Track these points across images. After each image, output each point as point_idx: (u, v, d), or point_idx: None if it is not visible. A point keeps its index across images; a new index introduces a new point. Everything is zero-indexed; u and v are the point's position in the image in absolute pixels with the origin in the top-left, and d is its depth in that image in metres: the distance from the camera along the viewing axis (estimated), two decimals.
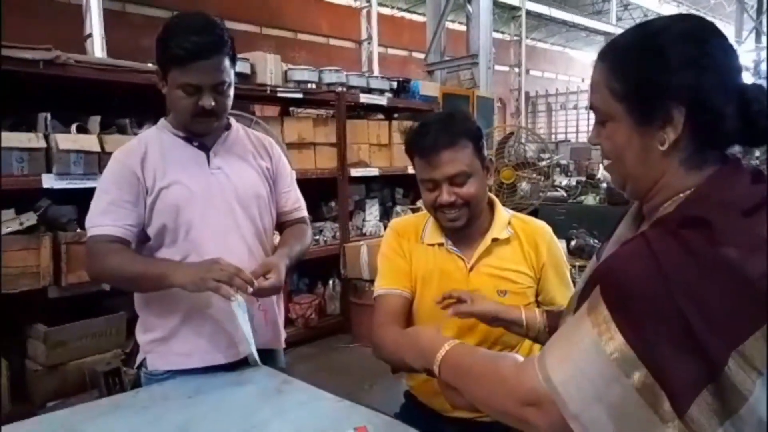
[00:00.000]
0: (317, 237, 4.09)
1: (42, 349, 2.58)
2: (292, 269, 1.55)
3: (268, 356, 1.56)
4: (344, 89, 4.18)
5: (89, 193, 1.46)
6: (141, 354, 1.52)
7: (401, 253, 1.49)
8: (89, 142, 2.66)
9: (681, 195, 0.78)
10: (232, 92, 1.45)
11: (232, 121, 1.58)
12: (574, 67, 20.39)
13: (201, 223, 1.45)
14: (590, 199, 4.99)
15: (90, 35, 6.47)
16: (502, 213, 1.48)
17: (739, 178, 0.77)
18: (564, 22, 15.27)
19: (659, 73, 0.76)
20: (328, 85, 4.15)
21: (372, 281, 3.89)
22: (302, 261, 1.68)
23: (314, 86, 4.03)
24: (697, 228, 0.70)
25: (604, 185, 5.06)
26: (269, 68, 3.70)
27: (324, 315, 4.19)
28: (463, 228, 1.41)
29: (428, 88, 4.82)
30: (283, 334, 1.67)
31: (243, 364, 1.50)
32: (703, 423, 0.65)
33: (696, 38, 0.77)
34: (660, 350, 0.66)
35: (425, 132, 1.36)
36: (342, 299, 4.24)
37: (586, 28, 16.12)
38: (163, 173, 1.43)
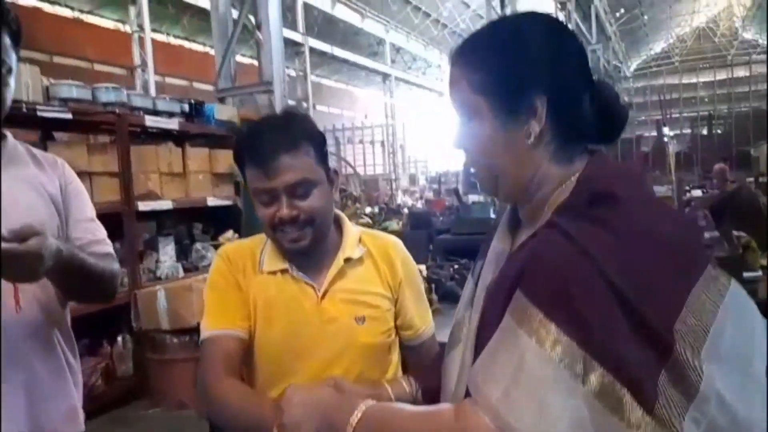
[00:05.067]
0: None
1: None
2: (68, 279, 1.14)
3: None
4: (126, 110, 3.60)
5: None
6: None
7: (235, 284, 1.23)
8: None
9: (565, 185, 0.77)
10: (12, 84, 1.13)
11: (8, 132, 1.22)
12: (358, 104, 21.65)
13: None
14: (393, 224, 5.17)
15: None
16: (352, 229, 1.31)
17: (612, 160, 0.80)
18: (345, 61, 16.14)
19: (521, 64, 0.76)
20: (105, 105, 3.54)
21: (174, 332, 3.43)
22: (78, 316, 1.34)
23: (86, 106, 3.39)
24: (605, 203, 0.69)
25: (405, 211, 5.29)
26: (24, 80, 2.99)
27: (113, 379, 3.47)
28: (309, 250, 1.20)
29: (225, 112, 4.46)
30: (81, 414, 1.24)
31: None
32: (669, 414, 0.61)
33: (552, 32, 0.80)
34: (609, 339, 0.62)
35: (260, 134, 1.15)
36: (135, 357, 3.57)
37: (365, 68, 17.25)
38: None
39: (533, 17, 0.82)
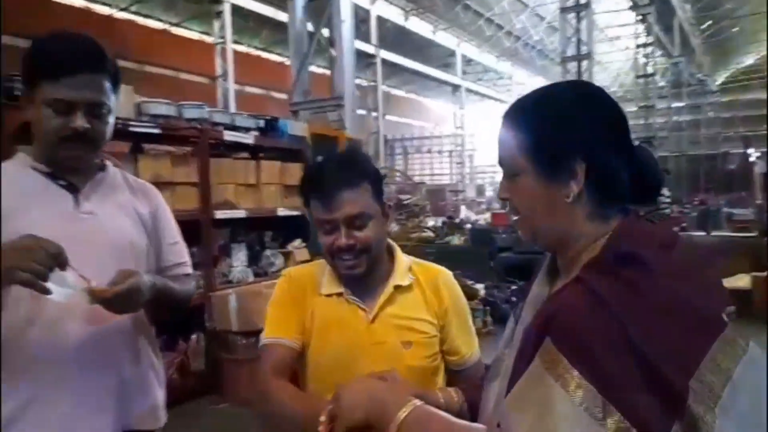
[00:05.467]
0: None
1: None
2: (158, 305, 1.33)
3: None
4: (207, 125, 3.88)
5: None
6: None
7: (294, 302, 1.37)
8: None
9: (598, 242, 0.83)
10: (111, 120, 1.28)
11: (108, 162, 1.40)
12: (428, 114, 21.75)
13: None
14: (456, 240, 5.17)
15: None
16: (403, 259, 1.42)
17: (644, 222, 0.86)
18: (416, 72, 16.28)
19: (563, 132, 0.83)
20: (189, 120, 3.83)
21: (243, 333, 3.66)
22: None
23: (172, 121, 3.69)
24: (631, 264, 0.75)
25: (468, 226, 5.29)
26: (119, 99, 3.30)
27: (187, 373, 3.74)
28: (363, 276, 1.32)
29: (297, 128, 4.69)
30: (164, 413, 1.40)
31: None
32: None
33: (592, 101, 0.86)
34: (626, 388, 0.67)
35: (325, 171, 1.29)
36: (208, 355, 3.83)
37: (436, 79, 17.32)
38: (17, 216, 1.17)
39: (578, 86, 0.89)
